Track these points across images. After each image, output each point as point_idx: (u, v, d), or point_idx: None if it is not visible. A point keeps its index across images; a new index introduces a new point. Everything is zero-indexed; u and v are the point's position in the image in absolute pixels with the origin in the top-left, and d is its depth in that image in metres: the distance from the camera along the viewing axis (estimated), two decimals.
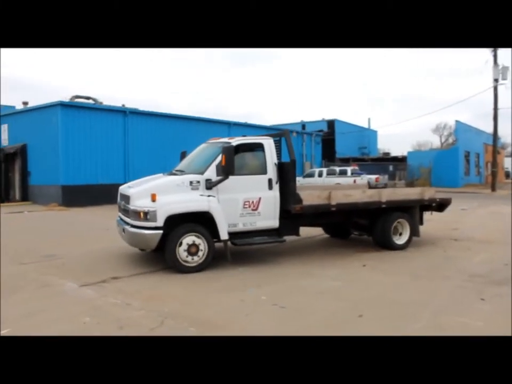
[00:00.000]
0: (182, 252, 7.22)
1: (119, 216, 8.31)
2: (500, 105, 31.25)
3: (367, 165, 39.08)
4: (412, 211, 9.41)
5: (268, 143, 8.09)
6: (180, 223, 7.28)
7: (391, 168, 42.24)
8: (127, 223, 7.59)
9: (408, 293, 6.11)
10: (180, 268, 7.21)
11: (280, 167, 8.16)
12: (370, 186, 27.35)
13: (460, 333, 4.49)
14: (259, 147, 8.10)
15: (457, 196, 26.53)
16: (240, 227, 7.74)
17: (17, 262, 8.28)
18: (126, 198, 7.74)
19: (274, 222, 7.99)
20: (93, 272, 7.37)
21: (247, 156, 8.30)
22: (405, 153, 45.41)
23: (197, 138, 29.06)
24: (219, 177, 7.45)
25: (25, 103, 27.27)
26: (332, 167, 31.12)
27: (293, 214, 7.97)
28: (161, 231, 7.12)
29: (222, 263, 7.88)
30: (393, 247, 9.00)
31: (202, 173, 7.56)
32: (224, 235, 7.45)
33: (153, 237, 7.16)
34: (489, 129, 39.47)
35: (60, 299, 5.96)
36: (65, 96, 24.60)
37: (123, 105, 26.71)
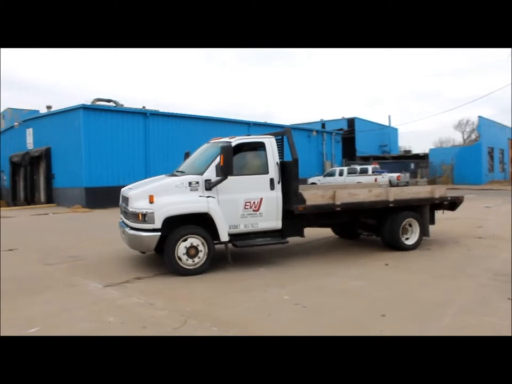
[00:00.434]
0: (181, 254, 7.11)
1: (121, 219, 8.22)
2: None
3: (388, 163, 38.78)
4: (422, 210, 9.16)
5: (270, 142, 7.93)
6: (179, 224, 7.18)
7: (412, 166, 41.81)
8: (127, 225, 7.53)
9: (432, 292, 6.04)
10: (178, 270, 7.11)
11: (283, 166, 7.99)
12: (391, 184, 27.20)
13: (486, 333, 4.43)
14: (260, 146, 7.93)
15: (481, 193, 26.10)
16: (242, 228, 7.59)
17: (43, 262, 8.47)
18: (126, 200, 7.66)
19: (276, 223, 7.82)
20: (116, 272, 7.49)
21: (248, 155, 8.17)
22: (427, 151, 44.88)
23: None
24: (218, 178, 7.33)
25: (49, 107, 27.85)
26: (352, 166, 30.94)
27: (296, 214, 7.82)
28: (159, 233, 7.03)
29: (242, 264, 7.93)
30: (402, 247, 8.76)
31: (201, 174, 7.44)
32: (224, 237, 7.31)
33: (151, 239, 7.08)
34: None
35: (85, 299, 6.07)
36: (87, 99, 24.99)
37: (143, 107, 27.06)
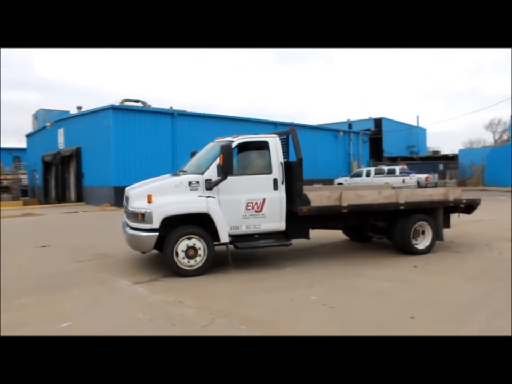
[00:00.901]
0: (179, 255, 7.02)
1: (124, 219, 8.11)
2: None
3: (416, 164, 38.22)
4: (435, 213, 8.75)
5: (274, 141, 7.72)
6: (179, 225, 7.08)
7: (441, 167, 41.11)
8: (128, 225, 7.49)
9: (462, 295, 5.93)
10: (177, 271, 7.03)
11: (287, 166, 7.78)
12: (420, 185, 26.81)
13: None
14: (264, 146, 7.73)
15: None
16: (243, 229, 7.42)
17: (74, 259, 8.65)
18: (127, 200, 7.63)
19: (280, 225, 7.62)
20: (143, 270, 7.60)
21: (251, 155, 8.03)
22: (456, 151, 44.04)
23: None
24: (218, 178, 7.19)
25: (79, 108, 28.40)
26: (380, 166, 30.64)
27: (301, 216, 7.60)
28: (157, 233, 6.95)
29: (269, 263, 7.95)
30: (412, 251, 8.43)
31: (202, 173, 7.32)
32: (224, 238, 7.17)
33: (149, 239, 7.00)
34: None
35: (114, 296, 6.19)
36: (115, 100, 25.40)
37: (171, 108, 27.32)
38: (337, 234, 10.54)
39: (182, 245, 7.05)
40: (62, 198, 26.71)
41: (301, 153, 7.65)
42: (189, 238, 7.08)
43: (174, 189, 7.21)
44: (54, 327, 4.93)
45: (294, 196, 7.64)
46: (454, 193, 9.06)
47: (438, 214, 8.79)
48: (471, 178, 36.86)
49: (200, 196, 7.17)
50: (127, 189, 8.02)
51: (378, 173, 28.41)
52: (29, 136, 35.37)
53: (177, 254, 7.02)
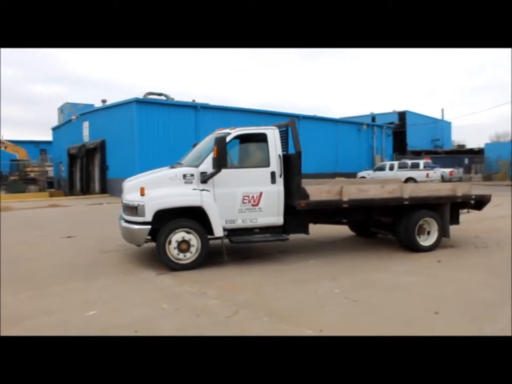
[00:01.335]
0: (172, 248, 6.94)
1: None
2: None
3: (440, 158, 37.66)
4: (442, 209, 8.45)
5: (272, 133, 7.54)
6: (173, 218, 7.01)
7: (466, 161, 40.45)
8: (123, 218, 7.44)
9: (488, 292, 5.83)
10: (169, 265, 6.97)
11: (286, 159, 7.60)
12: (444, 180, 26.42)
13: None
14: (262, 138, 7.55)
15: None
16: (239, 223, 7.29)
17: (98, 250, 8.81)
18: (122, 192, 7.63)
19: (277, 219, 7.47)
20: None
21: (249, 147, 7.88)
22: (482, 145, 43.19)
23: None
24: (213, 171, 7.06)
25: (103, 101, 28.74)
26: (403, 160, 30.25)
27: (300, 210, 7.43)
28: (149, 226, 6.91)
29: (292, 255, 7.96)
30: (417, 248, 8.16)
31: (197, 166, 7.20)
32: (218, 232, 7.07)
33: (141, 232, 6.96)
34: None
35: (139, 286, 6.29)
36: (138, 93, 25.67)
37: (193, 101, 27.43)
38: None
39: (175, 238, 6.96)
40: (86, 190, 27.15)
41: (299, 146, 7.43)
42: (182, 232, 6.98)
43: (168, 182, 7.12)
44: (81, 315, 5.06)
45: (292, 190, 7.47)
46: (463, 188, 8.69)
47: (444, 210, 8.50)
48: (497, 173, 36.13)
49: (194, 189, 7.07)
50: (125, 180, 7.92)
51: (402, 166, 28.08)
52: (55, 129, 36.01)
53: (169, 247, 6.95)
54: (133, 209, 7.01)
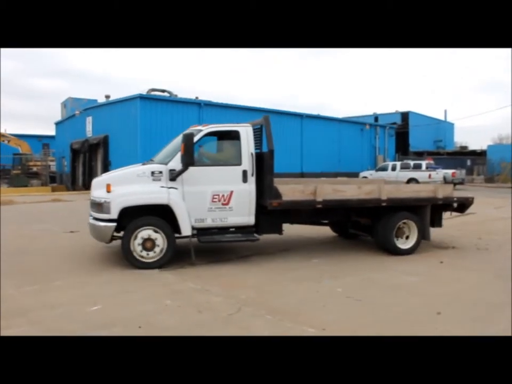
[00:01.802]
0: (136, 246, 6.83)
1: None
2: None
3: (443, 159, 37.62)
4: (422, 211, 8.23)
5: (245, 131, 7.37)
6: (142, 215, 6.90)
7: (469, 162, 40.41)
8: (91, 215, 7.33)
9: (490, 293, 5.85)
10: (134, 263, 6.88)
11: (259, 158, 7.43)
12: (446, 181, 26.41)
13: None
14: (235, 135, 7.39)
15: None
16: (209, 223, 7.16)
17: (101, 245, 8.79)
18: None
19: (249, 219, 7.31)
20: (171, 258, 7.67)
21: (221, 144, 7.75)
22: (485, 147, 43.16)
23: None
24: (180, 168, 6.94)
25: (107, 97, 28.73)
26: (405, 161, 30.24)
27: (272, 210, 7.26)
28: (114, 224, 6.81)
29: (296, 254, 8.00)
30: (395, 251, 7.95)
31: (166, 163, 7.07)
32: (186, 231, 6.96)
33: (107, 230, 6.87)
34: None
35: (142, 281, 6.31)
36: (141, 89, 25.67)
37: (196, 98, 27.41)
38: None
39: (140, 235, 6.86)
40: (89, 184, 27.02)
41: (272, 144, 7.26)
42: (147, 230, 6.88)
43: (135, 179, 7.01)
44: (85, 309, 5.09)
45: (264, 189, 7.32)
46: (444, 190, 8.50)
47: (425, 212, 8.29)
48: (499, 175, 36.12)
49: (162, 187, 6.96)
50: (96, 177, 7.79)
51: (404, 167, 28.06)
52: (58, 123, 36.02)
53: (134, 244, 6.86)
54: (99, 206, 6.92)
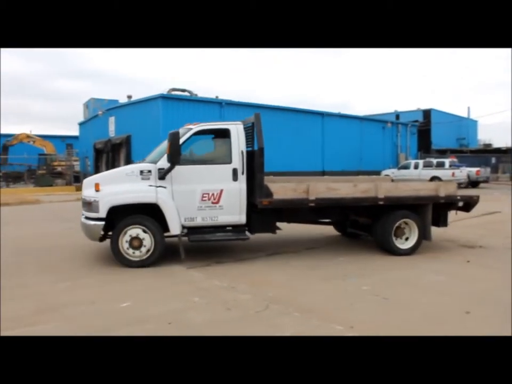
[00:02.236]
0: (124, 245, 6.90)
1: None
2: None
3: (466, 157, 37.02)
4: (423, 210, 7.97)
5: (236, 129, 7.33)
6: (131, 214, 6.96)
7: (493, 160, 39.65)
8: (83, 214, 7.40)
9: None
10: (122, 261, 6.95)
11: (250, 156, 7.37)
12: (470, 179, 26.01)
13: None
14: (226, 133, 7.34)
15: None
16: (199, 221, 7.16)
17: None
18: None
19: (239, 217, 7.29)
20: (197, 256, 7.76)
21: (211, 143, 7.74)
22: (510, 145, 42.26)
23: (290, 128, 29.24)
24: (168, 167, 6.93)
25: (129, 97, 29.02)
26: (428, 159, 29.83)
27: (263, 208, 7.22)
28: (103, 222, 6.88)
29: (322, 252, 8.01)
30: (394, 251, 7.73)
31: (155, 162, 7.11)
32: (175, 229, 6.98)
33: (96, 228, 6.93)
34: None
35: (170, 279, 6.41)
36: (162, 89, 25.85)
37: (216, 97, 27.53)
38: None
39: (129, 233, 6.93)
40: None
41: (262, 142, 7.17)
42: (135, 228, 6.94)
43: (124, 178, 7.07)
44: (115, 306, 5.22)
45: (254, 188, 7.27)
46: (446, 188, 8.15)
47: (426, 211, 8.02)
48: None
49: (150, 186, 6.99)
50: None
51: (427, 165, 27.70)
52: (81, 124, 36.55)
53: (122, 244, 6.93)
54: (89, 205, 7.01)
